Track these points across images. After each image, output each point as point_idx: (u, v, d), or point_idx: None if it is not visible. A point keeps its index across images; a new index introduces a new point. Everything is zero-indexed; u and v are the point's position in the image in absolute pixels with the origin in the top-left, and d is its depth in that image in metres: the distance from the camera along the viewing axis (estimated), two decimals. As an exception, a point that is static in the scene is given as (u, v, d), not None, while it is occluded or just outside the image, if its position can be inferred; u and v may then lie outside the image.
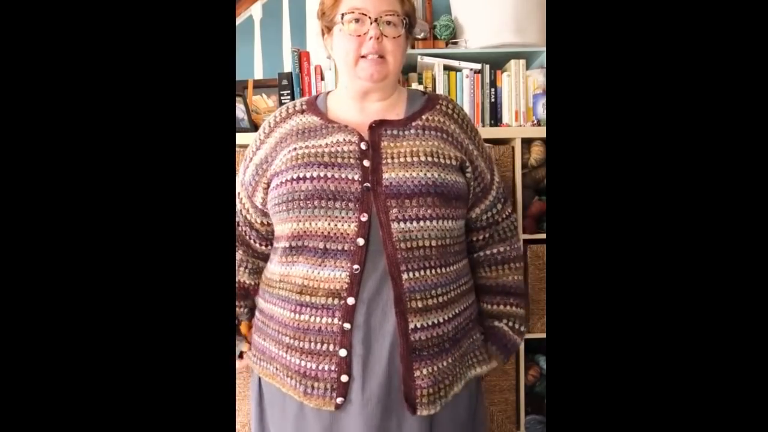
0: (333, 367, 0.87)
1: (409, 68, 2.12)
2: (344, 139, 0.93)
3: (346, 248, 0.87)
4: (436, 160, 0.91)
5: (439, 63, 2.03)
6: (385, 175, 0.88)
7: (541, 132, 1.79)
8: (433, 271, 0.90)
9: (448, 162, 0.92)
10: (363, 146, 0.92)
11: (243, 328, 1.07)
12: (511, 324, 1.03)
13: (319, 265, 0.89)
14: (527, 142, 1.78)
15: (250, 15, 2.45)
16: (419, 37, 2.16)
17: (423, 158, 0.90)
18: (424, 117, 0.97)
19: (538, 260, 1.73)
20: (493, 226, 1.04)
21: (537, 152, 1.75)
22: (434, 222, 0.89)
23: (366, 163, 0.90)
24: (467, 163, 0.96)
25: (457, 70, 2.05)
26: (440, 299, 0.90)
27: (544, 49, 2.07)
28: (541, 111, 1.99)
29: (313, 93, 1.94)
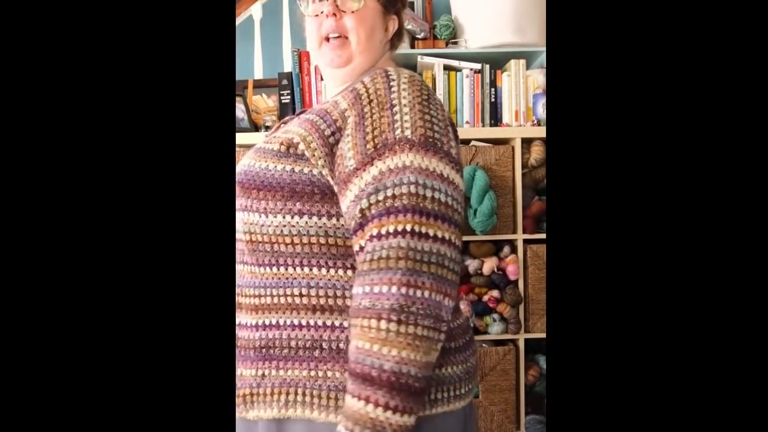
0: None
1: (409, 68, 2.12)
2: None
3: None
4: (263, 145, 0.81)
5: (439, 63, 2.04)
6: None
7: (541, 132, 1.80)
8: (247, 268, 0.80)
9: (270, 147, 0.79)
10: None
11: None
12: (342, 429, 0.67)
13: None
14: (527, 142, 1.79)
15: (250, 15, 2.45)
16: (419, 37, 2.16)
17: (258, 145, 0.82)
18: (329, 99, 0.84)
19: (538, 260, 1.74)
20: (357, 241, 0.71)
21: (537, 152, 1.76)
22: (240, 213, 0.79)
23: None
24: (306, 144, 0.76)
25: (457, 70, 2.05)
26: (251, 300, 0.79)
27: (544, 49, 2.08)
28: (541, 111, 1.99)
29: (313, 93, 1.94)
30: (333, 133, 0.76)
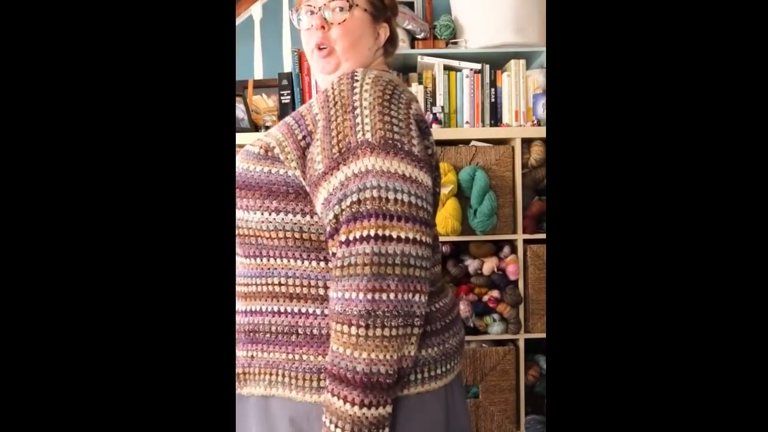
0: None
1: (409, 68, 2.12)
2: None
3: None
4: (249, 148, 0.88)
5: (439, 63, 2.04)
6: None
7: (541, 132, 1.80)
8: (238, 259, 0.89)
9: (253, 150, 0.86)
10: None
11: None
12: (327, 422, 0.74)
13: None
14: (527, 142, 1.79)
15: (250, 15, 2.45)
16: (419, 37, 2.16)
17: None
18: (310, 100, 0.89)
19: (538, 260, 1.73)
20: (331, 246, 0.78)
21: (537, 152, 1.76)
22: (236, 210, 0.87)
23: None
24: (280, 148, 0.83)
25: (457, 70, 2.05)
26: (241, 289, 0.88)
27: (544, 49, 2.08)
28: (541, 111, 2.00)
29: (313, 93, 1.94)
30: (305, 137, 0.83)
